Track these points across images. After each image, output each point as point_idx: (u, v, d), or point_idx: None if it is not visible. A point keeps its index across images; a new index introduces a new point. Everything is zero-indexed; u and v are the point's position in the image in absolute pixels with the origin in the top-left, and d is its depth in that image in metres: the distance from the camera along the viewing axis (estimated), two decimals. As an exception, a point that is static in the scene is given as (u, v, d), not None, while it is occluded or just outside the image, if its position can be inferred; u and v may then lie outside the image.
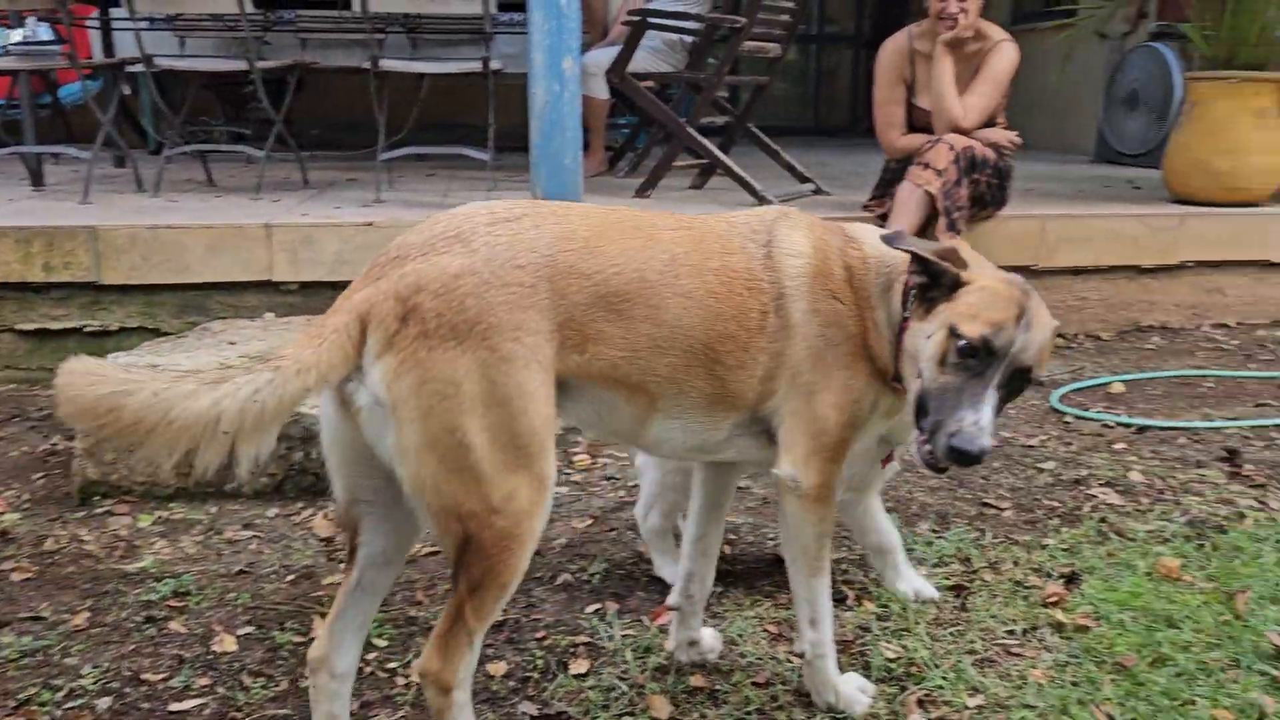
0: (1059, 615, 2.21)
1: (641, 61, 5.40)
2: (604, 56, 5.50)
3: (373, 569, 1.72)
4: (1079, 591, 2.30)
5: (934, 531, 2.64)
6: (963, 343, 1.63)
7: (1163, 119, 6.58)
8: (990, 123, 4.33)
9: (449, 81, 5.10)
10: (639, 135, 6.43)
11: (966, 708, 1.91)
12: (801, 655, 1.95)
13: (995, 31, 4.30)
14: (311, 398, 1.55)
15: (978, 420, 1.61)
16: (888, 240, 1.78)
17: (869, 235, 1.88)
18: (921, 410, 1.70)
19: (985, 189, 4.23)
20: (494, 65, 4.74)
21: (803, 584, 1.89)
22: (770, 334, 1.76)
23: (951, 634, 2.16)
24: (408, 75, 5.08)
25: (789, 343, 1.77)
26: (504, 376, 1.53)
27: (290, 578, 2.43)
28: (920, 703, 1.94)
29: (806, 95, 11.89)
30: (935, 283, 1.70)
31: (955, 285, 1.68)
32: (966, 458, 1.61)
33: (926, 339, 1.69)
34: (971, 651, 2.10)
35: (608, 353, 1.66)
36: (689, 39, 5.74)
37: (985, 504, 2.83)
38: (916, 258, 1.70)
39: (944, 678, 2.00)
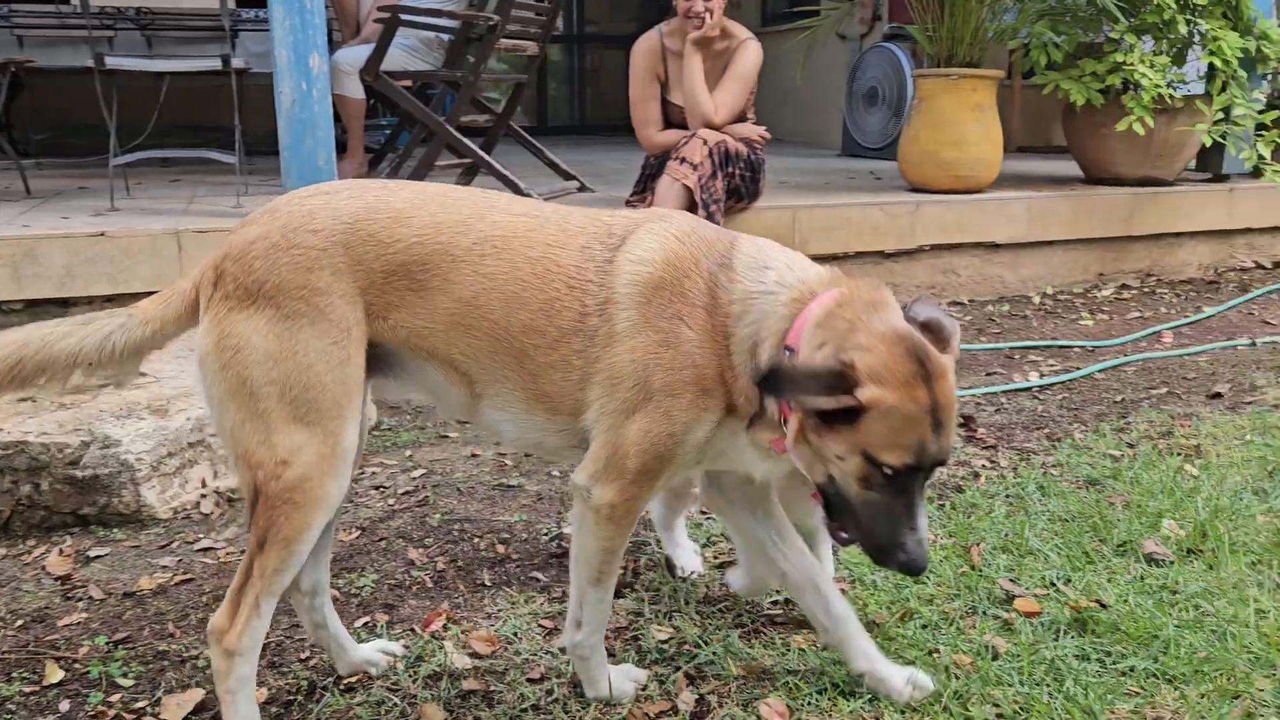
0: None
1: (396, 60, 5.27)
2: (357, 54, 5.33)
3: None
4: (836, 559, 2.43)
5: (702, 513, 2.71)
6: (889, 470, 1.55)
7: (899, 114, 7.08)
8: (741, 118, 4.51)
9: (193, 82, 4.79)
10: (400, 136, 6.27)
11: (734, 679, 1.98)
12: (563, 650, 1.95)
13: (740, 31, 4.48)
14: (158, 347, 1.76)
15: (920, 538, 1.59)
16: (765, 376, 1.58)
17: (760, 271, 1.71)
18: (831, 510, 1.67)
19: (739, 182, 4.40)
20: (237, 64, 4.49)
21: (579, 586, 1.86)
22: (589, 338, 1.70)
23: (719, 610, 2.24)
24: (145, 75, 4.74)
25: (610, 351, 1.69)
26: (288, 333, 1.64)
27: (19, 623, 2.21)
28: (689, 678, 1.99)
29: (573, 94, 12.01)
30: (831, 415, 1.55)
31: (856, 415, 1.53)
32: (920, 570, 1.62)
33: (839, 459, 1.57)
34: (739, 626, 2.17)
35: (409, 321, 1.73)
36: (445, 37, 5.66)
37: (750, 483, 2.94)
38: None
39: (714, 653, 2.06)
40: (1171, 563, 2.37)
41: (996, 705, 1.87)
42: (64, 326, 1.70)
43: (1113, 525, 2.54)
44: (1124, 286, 5.47)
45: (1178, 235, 5.63)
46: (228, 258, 1.68)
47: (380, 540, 2.59)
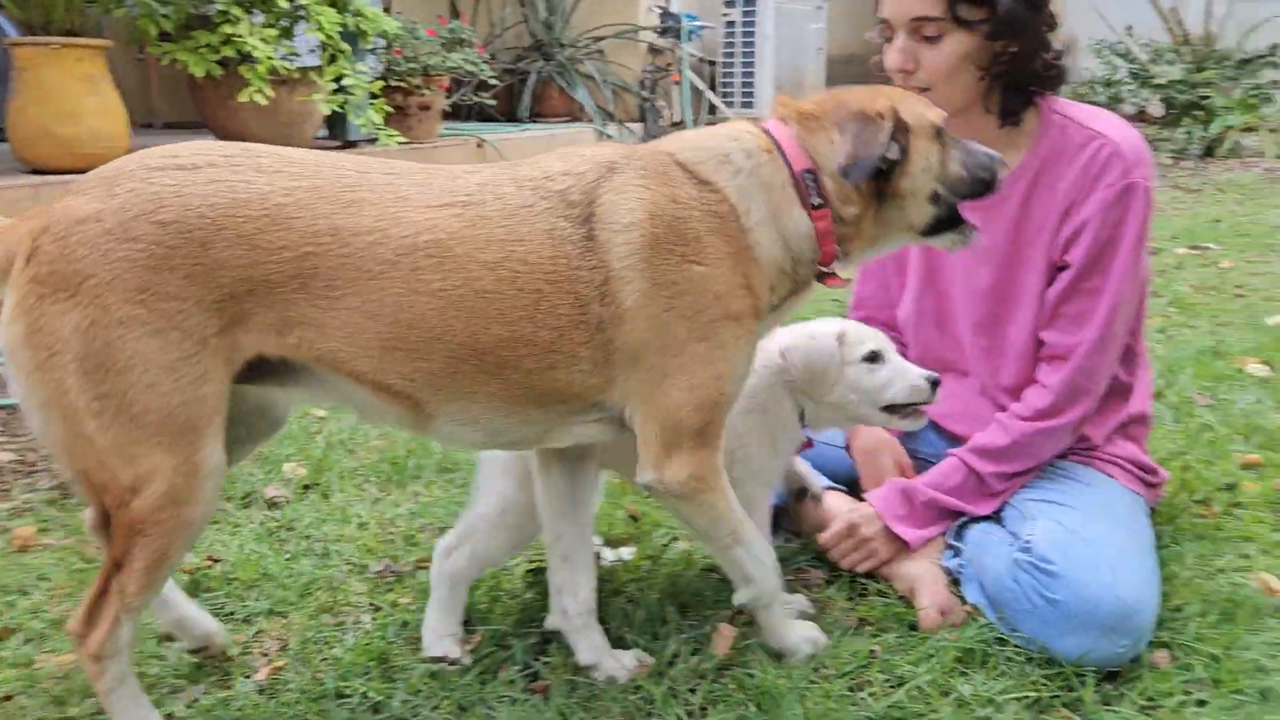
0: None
1: None
2: None
3: None
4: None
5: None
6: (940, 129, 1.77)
7: (4, 85, 6.35)
8: None
9: None
10: None
11: None
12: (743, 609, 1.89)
13: None
14: None
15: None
16: (846, 169, 1.64)
17: (719, 161, 1.66)
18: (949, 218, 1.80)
19: None
20: None
21: (723, 557, 1.80)
22: (595, 327, 1.55)
23: None
24: None
25: (624, 329, 1.56)
26: (122, 341, 1.37)
27: None
28: None
29: None
30: None
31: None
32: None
33: (923, 172, 1.71)
34: None
35: (322, 343, 1.48)
36: None
37: None
38: None
39: None
40: (290, 502, 2.54)
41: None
42: None
43: (234, 480, 2.63)
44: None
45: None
46: (48, 232, 1.40)
47: None
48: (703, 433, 1.63)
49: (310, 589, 2.13)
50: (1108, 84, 9.36)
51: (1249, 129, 8.90)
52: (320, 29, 5.43)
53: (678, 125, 9.42)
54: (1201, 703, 1.75)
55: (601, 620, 1.89)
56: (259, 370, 1.52)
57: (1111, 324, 2.02)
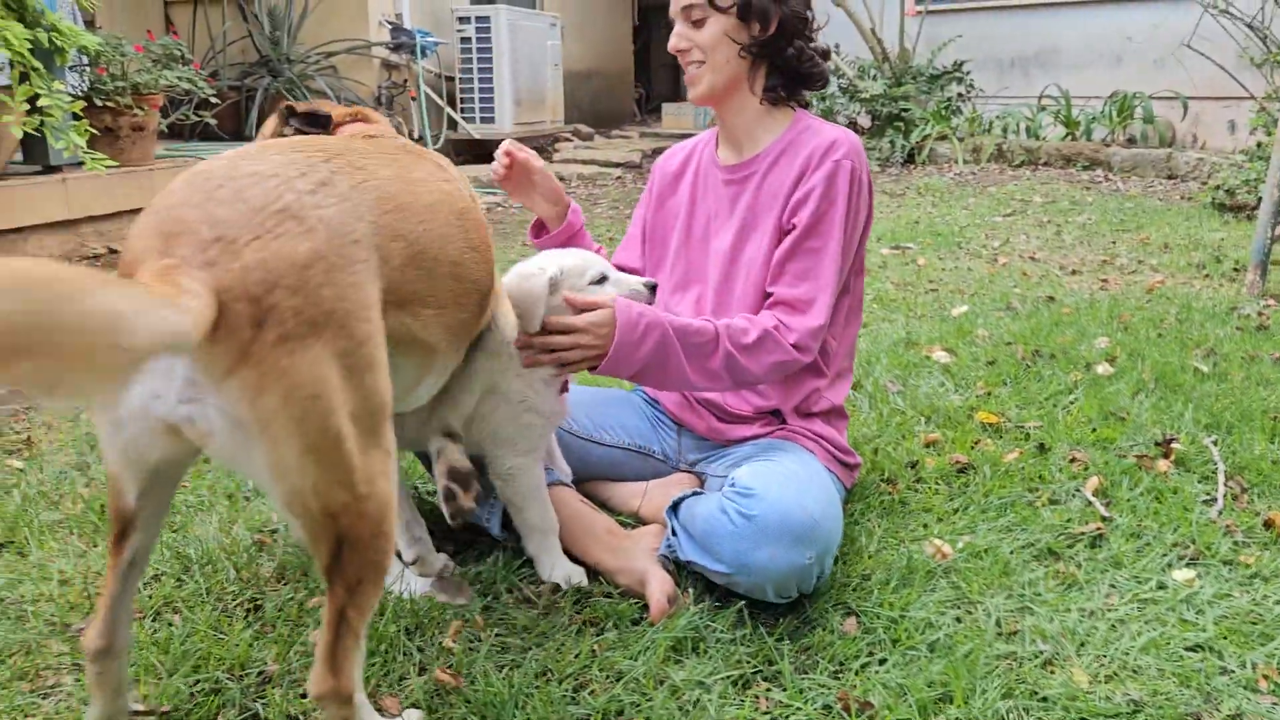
0: None
1: None
2: None
3: (144, 548, 1.57)
4: None
5: None
6: None
7: None
8: None
9: None
10: None
11: None
12: None
13: None
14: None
15: None
16: None
17: None
18: None
19: None
20: None
21: None
22: None
23: None
24: None
25: None
26: (361, 358, 1.41)
27: None
28: None
29: None
30: None
31: None
32: None
33: None
34: None
35: (424, 312, 1.64)
36: None
37: None
38: None
39: None
40: (-20, 564, 2.34)
41: None
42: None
43: (-88, 548, 2.40)
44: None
45: (20, 230, 5.54)
46: (278, 288, 1.30)
47: None
48: None
49: (3, 655, 1.99)
50: (821, 98, 10.09)
51: (942, 138, 9.85)
52: (6, 45, 5.01)
53: (418, 141, 9.33)
54: (882, 661, 1.96)
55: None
56: None
57: (834, 283, 2.29)
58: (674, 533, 2.25)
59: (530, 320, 2.14)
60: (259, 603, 2.17)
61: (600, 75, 12.93)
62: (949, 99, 10.19)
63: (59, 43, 5.42)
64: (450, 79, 10.01)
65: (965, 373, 3.61)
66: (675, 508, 2.28)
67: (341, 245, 1.41)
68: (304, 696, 1.85)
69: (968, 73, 10.27)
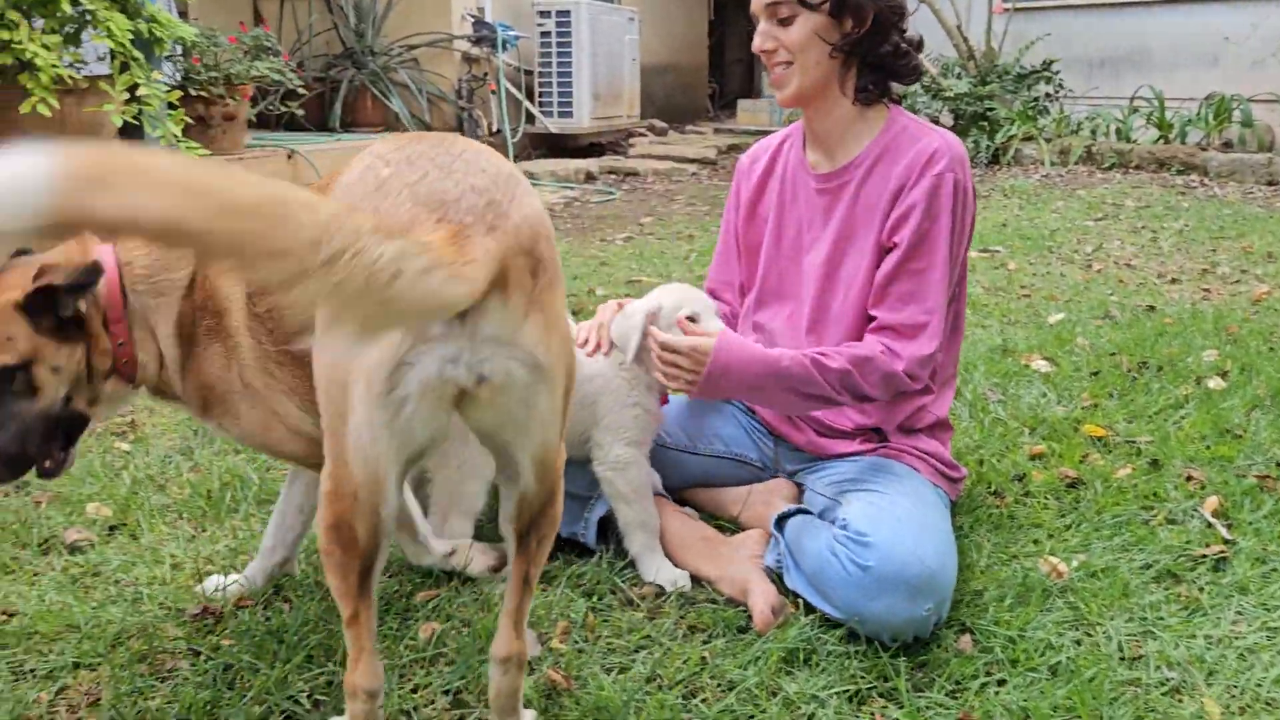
0: None
1: None
2: None
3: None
4: None
5: None
6: None
7: None
8: None
9: None
10: None
11: None
12: None
13: None
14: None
15: None
16: None
17: None
18: None
19: None
20: None
21: None
22: None
23: None
24: None
25: None
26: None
27: None
28: None
29: None
30: None
31: None
32: None
33: None
34: None
35: None
36: None
37: None
38: None
39: None
40: (94, 546, 2.39)
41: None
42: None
43: (29, 525, 2.45)
44: None
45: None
46: (541, 239, 1.40)
47: None
48: None
49: (121, 638, 2.02)
50: (903, 97, 9.91)
51: (1028, 138, 9.62)
52: (110, 35, 5.12)
53: (496, 135, 9.38)
54: (1001, 682, 1.90)
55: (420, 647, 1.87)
56: None
57: (942, 305, 2.20)
58: (780, 553, 2.21)
59: (627, 351, 2.24)
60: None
61: (675, 70, 12.87)
62: (1035, 99, 9.94)
63: (158, 34, 5.53)
64: (529, 73, 10.04)
65: (1068, 383, 3.51)
66: (780, 524, 2.24)
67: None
68: (414, 691, 1.85)
69: (1056, 72, 10.01)
